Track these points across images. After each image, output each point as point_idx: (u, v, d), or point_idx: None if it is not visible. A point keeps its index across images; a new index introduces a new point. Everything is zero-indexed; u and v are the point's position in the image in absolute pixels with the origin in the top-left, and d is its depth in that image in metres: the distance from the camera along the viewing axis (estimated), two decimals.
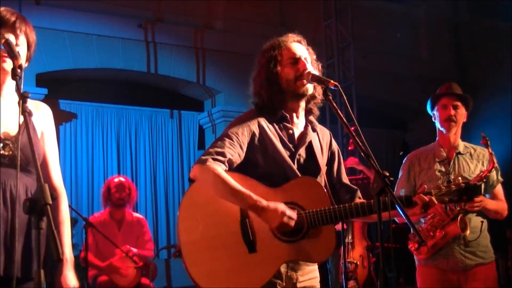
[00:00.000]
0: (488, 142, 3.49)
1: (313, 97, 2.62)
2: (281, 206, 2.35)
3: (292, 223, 2.34)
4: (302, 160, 2.57)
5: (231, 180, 2.38)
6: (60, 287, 2.29)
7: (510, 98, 8.39)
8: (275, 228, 2.34)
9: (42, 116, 2.40)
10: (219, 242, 2.40)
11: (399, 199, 2.38)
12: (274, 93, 2.56)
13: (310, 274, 2.56)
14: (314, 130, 2.65)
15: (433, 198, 2.43)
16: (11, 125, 2.24)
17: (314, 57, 2.67)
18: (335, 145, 2.74)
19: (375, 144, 10.01)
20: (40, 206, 1.72)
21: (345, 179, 2.73)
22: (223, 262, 2.38)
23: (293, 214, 2.36)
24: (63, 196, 2.42)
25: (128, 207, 5.62)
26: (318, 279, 2.61)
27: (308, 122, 2.65)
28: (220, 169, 2.40)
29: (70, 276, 2.32)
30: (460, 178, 2.57)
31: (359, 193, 2.69)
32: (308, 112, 2.66)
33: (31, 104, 2.27)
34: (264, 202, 2.34)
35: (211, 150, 2.45)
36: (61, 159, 8.31)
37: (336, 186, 2.69)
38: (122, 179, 5.66)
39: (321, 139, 2.68)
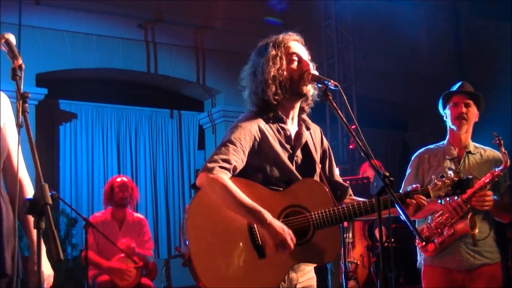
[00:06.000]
0: (501, 142, 3.43)
1: (307, 98, 2.61)
2: (286, 227, 2.37)
3: (292, 245, 2.35)
4: (299, 161, 2.58)
5: (238, 191, 2.37)
6: (33, 273, 2.26)
7: (510, 98, 8.38)
8: (276, 244, 2.35)
9: (1, 106, 2.30)
10: (229, 249, 2.40)
11: (398, 198, 2.39)
12: (274, 92, 2.52)
13: (308, 274, 2.58)
14: (308, 128, 2.65)
15: (422, 201, 2.46)
16: None
17: (309, 58, 2.64)
18: (326, 142, 2.75)
19: (375, 144, 10.01)
20: (40, 206, 1.72)
21: (336, 176, 2.76)
22: (234, 269, 2.39)
23: (293, 237, 2.37)
24: (29, 188, 2.39)
25: (129, 207, 5.64)
26: (315, 278, 2.63)
27: (301, 121, 2.65)
28: (227, 179, 2.39)
29: (44, 264, 2.32)
30: (452, 173, 2.60)
31: (350, 191, 2.74)
32: (300, 110, 2.65)
33: None
34: (270, 217, 2.35)
35: (216, 157, 2.42)
36: (61, 159, 8.30)
37: (329, 183, 2.68)
38: (124, 179, 5.70)
39: (314, 137, 2.68)
